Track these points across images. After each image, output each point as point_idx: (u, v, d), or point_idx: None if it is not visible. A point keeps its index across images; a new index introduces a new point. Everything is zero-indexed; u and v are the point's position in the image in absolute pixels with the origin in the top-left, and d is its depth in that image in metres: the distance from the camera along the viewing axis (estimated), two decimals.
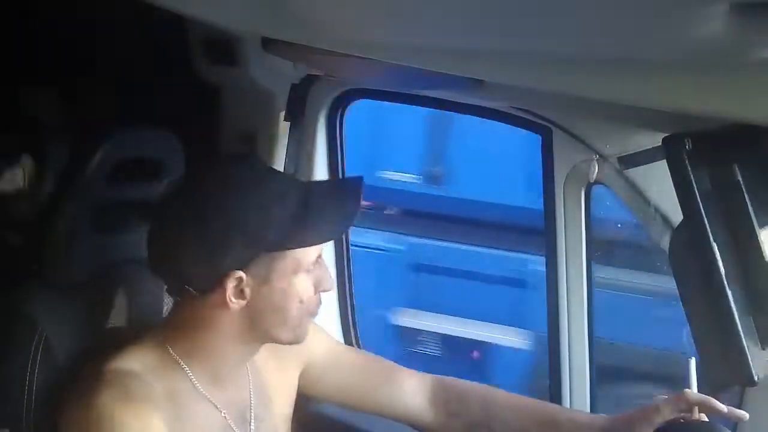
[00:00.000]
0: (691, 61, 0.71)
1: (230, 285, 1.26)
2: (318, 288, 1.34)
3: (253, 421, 1.41)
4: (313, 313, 1.36)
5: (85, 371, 1.31)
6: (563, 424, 1.53)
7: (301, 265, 1.30)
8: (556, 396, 1.79)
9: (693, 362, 1.36)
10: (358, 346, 2.15)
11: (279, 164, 2.01)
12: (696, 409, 1.35)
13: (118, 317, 1.50)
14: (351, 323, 2.16)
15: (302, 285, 1.31)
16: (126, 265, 1.59)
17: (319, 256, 1.34)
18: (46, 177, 1.99)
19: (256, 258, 1.27)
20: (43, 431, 1.41)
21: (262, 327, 1.33)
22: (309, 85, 1.99)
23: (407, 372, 1.61)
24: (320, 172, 2.05)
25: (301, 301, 1.31)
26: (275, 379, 1.48)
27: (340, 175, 2.10)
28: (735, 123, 1.03)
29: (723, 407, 1.35)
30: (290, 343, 1.38)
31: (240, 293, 1.28)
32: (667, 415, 1.38)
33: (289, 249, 1.28)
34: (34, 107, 2.04)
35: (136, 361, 1.30)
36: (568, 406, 1.77)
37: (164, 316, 1.49)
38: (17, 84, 1.99)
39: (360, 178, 1.35)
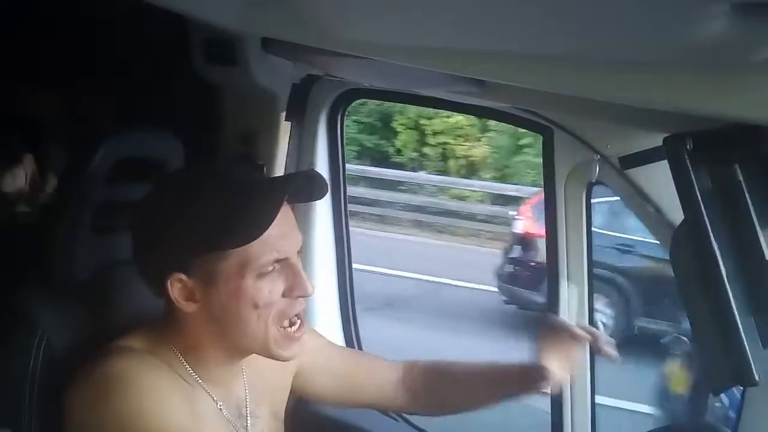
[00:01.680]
0: (691, 61, 0.71)
1: (175, 287, 1.25)
2: (288, 293, 1.27)
3: (249, 416, 1.41)
4: (283, 319, 1.28)
5: (91, 352, 1.32)
6: (504, 378, 1.58)
7: (248, 267, 1.23)
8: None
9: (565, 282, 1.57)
10: (359, 346, 2.16)
11: (279, 164, 2.01)
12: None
13: (118, 317, 1.50)
14: (351, 323, 2.16)
15: (254, 288, 1.24)
16: (126, 265, 1.59)
17: (285, 259, 1.27)
18: (46, 177, 1.99)
19: (195, 259, 1.24)
20: (43, 431, 1.42)
21: (228, 333, 1.29)
22: (309, 85, 1.99)
23: (385, 362, 1.65)
24: (320, 171, 2.05)
25: (255, 306, 1.25)
26: (270, 378, 1.48)
27: (341, 175, 2.10)
28: (735, 123, 1.03)
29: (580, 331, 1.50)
30: (273, 358, 1.32)
31: (189, 296, 1.26)
32: (554, 339, 1.51)
33: (216, 250, 1.23)
34: (34, 107, 2.04)
35: (140, 342, 1.32)
36: (568, 402, 1.77)
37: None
38: (17, 84, 1.99)
39: (307, 173, 1.33)
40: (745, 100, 0.86)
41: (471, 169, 10.65)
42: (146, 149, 1.60)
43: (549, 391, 1.54)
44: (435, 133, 10.29)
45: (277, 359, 1.33)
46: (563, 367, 1.51)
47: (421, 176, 10.45)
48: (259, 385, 1.44)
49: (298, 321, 1.31)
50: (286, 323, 1.29)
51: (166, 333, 1.33)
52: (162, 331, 1.34)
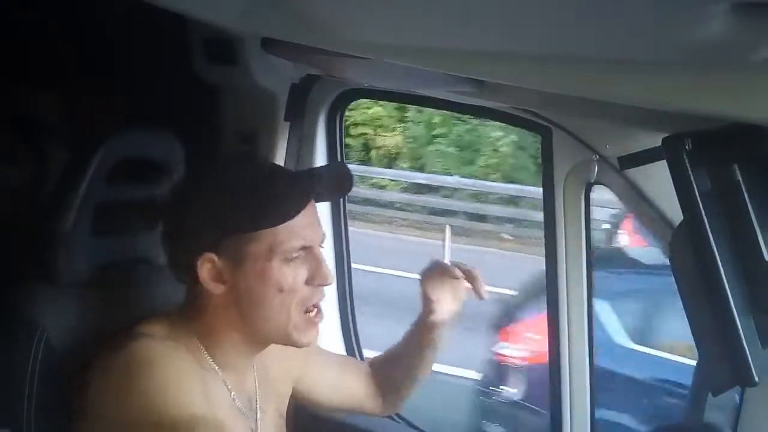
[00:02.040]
0: (691, 61, 0.71)
1: (204, 267, 1.30)
2: (311, 281, 1.33)
3: (258, 410, 1.44)
4: (305, 306, 1.34)
5: (111, 338, 1.33)
6: (414, 335, 1.64)
7: (275, 251, 1.29)
8: (555, 387, 1.80)
9: (448, 229, 1.64)
10: (359, 348, 2.15)
11: (279, 164, 2.01)
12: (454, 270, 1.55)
13: (118, 317, 1.50)
14: (351, 325, 2.16)
15: (279, 272, 1.30)
16: (126, 265, 1.59)
17: (310, 248, 1.33)
18: (46, 177, 1.98)
19: (225, 240, 1.29)
20: (43, 431, 1.42)
21: (250, 318, 1.33)
22: (309, 85, 1.99)
23: (358, 363, 1.76)
24: None
25: (280, 289, 1.30)
26: (276, 378, 1.52)
27: None
28: (735, 123, 1.03)
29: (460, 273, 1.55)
30: (292, 343, 1.36)
31: (218, 277, 1.30)
32: (436, 278, 1.56)
33: (247, 231, 1.29)
34: (34, 107, 2.04)
35: (160, 329, 1.34)
36: (568, 399, 1.78)
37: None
38: (17, 84, 1.99)
39: (337, 165, 1.44)
40: (745, 100, 0.87)
41: (390, 159, 10.86)
42: (146, 149, 1.60)
43: (439, 321, 1.59)
44: (356, 125, 10.37)
45: (295, 345, 1.37)
46: (447, 299, 1.58)
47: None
48: (268, 383, 1.48)
49: (316, 309, 1.36)
50: (306, 310, 1.34)
51: (187, 320, 1.36)
52: (182, 318, 1.36)
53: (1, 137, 1.94)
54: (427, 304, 1.57)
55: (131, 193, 1.60)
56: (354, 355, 2.13)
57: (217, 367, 1.36)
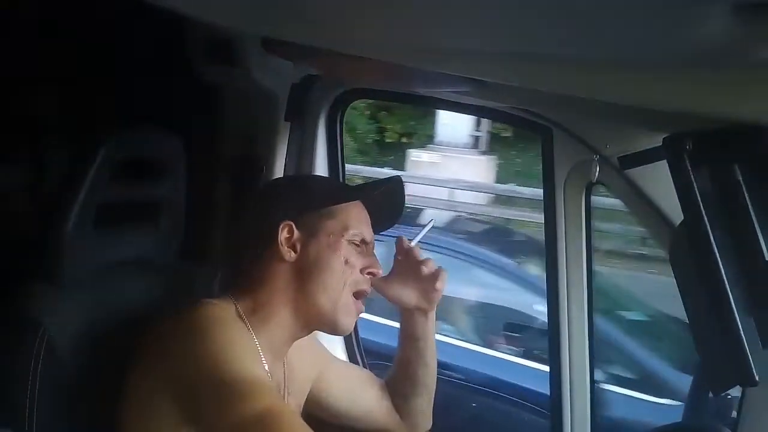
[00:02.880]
0: (691, 61, 0.71)
1: (283, 232, 1.45)
2: (364, 269, 1.48)
3: (287, 396, 1.50)
4: (356, 287, 1.47)
5: (172, 310, 1.39)
6: (404, 333, 1.69)
7: (346, 230, 1.47)
8: (555, 387, 1.80)
9: (431, 223, 1.71)
10: (361, 355, 2.15)
11: (279, 164, 2.01)
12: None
13: (119, 317, 1.50)
14: (353, 330, 2.16)
15: (347, 249, 1.46)
16: (127, 265, 1.59)
17: (369, 243, 1.50)
18: (46, 177, 1.99)
19: (304, 213, 1.47)
20: (45, 431, 1.42)
21: (309, 288, 1.44)
22: (309, 85, 1.99)
23: (378, 381, 1.76)
24: (320, 172, 2.04)
25: (345, 261, 1.45)
26: (299, 376, 1.58)
27: (340, 175, 2.10)
28: (735, 123, 1.03)
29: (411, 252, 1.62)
30: (332, 324, 1.47)
31: (292, 245, 1.45)
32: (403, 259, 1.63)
33: (327, 205, 1.48)
34: (34, 107, 2.04)
35: (213, 308, 1.39)
36: (568, 399, 1.78)
37: (165, 314, 1.50)
38: (17, 84, 1.99)
39: (397, 178, 1.59)
40: (745, 100, 0.87)
41: None
42: (146, 149, 1.60)
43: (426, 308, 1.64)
44: None
45: (335, 326, 1.48)
46: (409, 280, 1.62)
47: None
48: (294, 378, 1.55)
49: (361, 298, 1.50)
50: (356, 294, 1.48)
51: (239, 297, 1.44)
52: (236, 296, 1.44)
53: (2, 137, 1.95)
54: (388, 278, 1.62)
55: (131, 192, 1.60)
56: (356, 362, 2.13)
57: (258, 347, 1.41)
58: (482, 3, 0.67)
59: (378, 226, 1.57)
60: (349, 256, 1.46)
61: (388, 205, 1.60)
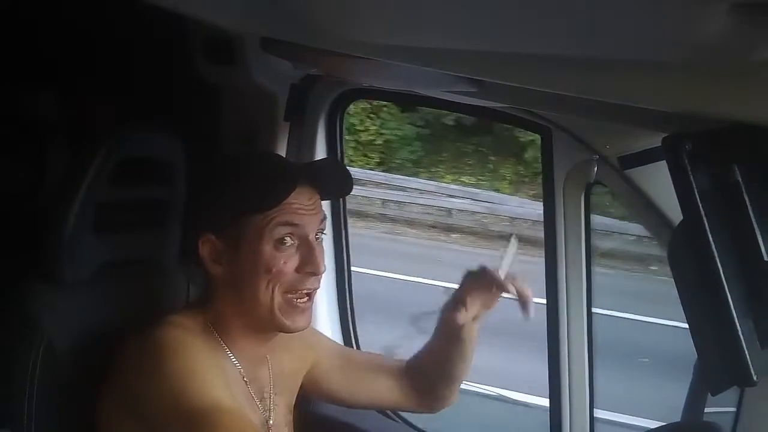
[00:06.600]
0: (691, 61, 0.71)
1: (205, 246, 1.38)
2: (301, 268, 1.37)
3: (271, 402, 1.48)
4: (291, 290, 1.37)
5: (139, 327, 1.37)
6: (441, 336, 1.62)
7: (265, 234, 1.35)
8: (555, 387, 1.80)
9: (514, 241, 1.55)
10: (357, 347, 2.16)
11: (273, 153, 2.01)
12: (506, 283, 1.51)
13: (119, 317, 1.50)
14: (350, 323, 2.16)
15: (270, 255, 1.35)
16: (126, 265, 1.59)
17: (303, 236, 1.37)
18: (47, 177, 1.99)
19: (222, 222, 1.37)
20: (44, 431, 1.42)
21: (243, 297, 1.38)
22: (309, 85, 1.99)
23: (391, 362, 1.73)
24: None
25: (267, 271, 1.35)
26: (289, 371, 1.56)
27: None
28: (735, 123, 1.03)
29: (512, 289, 1.50)
30: (279, 328, 1.40)
31: (217, 258, 1.38)
32: (478, 287, 1.53)
33: (236, 214, 1.36)
34: (34, 107, 2.04)
35: (185, 318, 1.39)
36: (568, 399, 1.78)
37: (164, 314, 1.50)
38: (17, 84, 1.99)
39: (332, 160, 1.53)
40: (745, 100, 0.87)
41: None
42: (146, 149, 1.60)
43: (460, 321, 1.55)
44: None
45: (283, 329, 1.40)
46: (477, 304, 1.55)
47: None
48: (281, 376, 1.52)
49: (306, 296, 1.40)
50: (293, 294, 1.38)
51: (203, 308, 1.42)
52: (201, 307, 1.43)
53: (2, 136, 1.95)
54: (456, 302, 1.55)
55: (132, 192, 1.60)
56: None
57: (231, 356, 1.41)
58: (482, 3, 0.67)
59: (327, 197, 1.49)
60: (273, 263, 1.35)
61: (330, 185, 1.47)
